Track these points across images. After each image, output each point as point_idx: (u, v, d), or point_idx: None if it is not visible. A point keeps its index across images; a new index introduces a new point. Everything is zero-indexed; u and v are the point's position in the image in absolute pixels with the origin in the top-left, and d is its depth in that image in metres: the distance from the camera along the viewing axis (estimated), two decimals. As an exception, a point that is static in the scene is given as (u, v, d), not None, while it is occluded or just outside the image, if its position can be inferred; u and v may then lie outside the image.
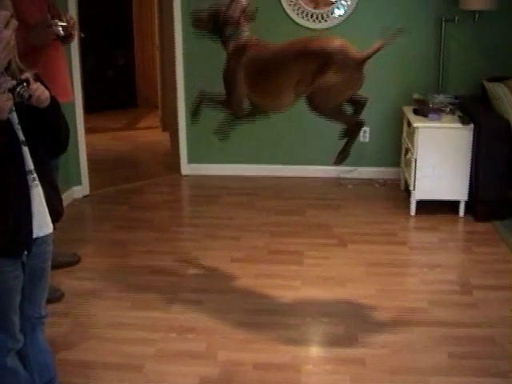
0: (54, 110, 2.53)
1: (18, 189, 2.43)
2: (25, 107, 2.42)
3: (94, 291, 4.31)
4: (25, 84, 2.36)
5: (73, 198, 6.03)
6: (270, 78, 4.05)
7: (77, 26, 3.99)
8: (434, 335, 3.71)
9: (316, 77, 3.85)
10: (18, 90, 2.34)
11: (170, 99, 7.31)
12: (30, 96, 2.37)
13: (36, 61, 3.66)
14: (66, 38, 4.00)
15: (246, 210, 5.70)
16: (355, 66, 3.93)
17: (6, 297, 2.51)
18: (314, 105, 4.02)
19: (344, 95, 4.04)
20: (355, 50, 3.93)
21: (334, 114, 4.12)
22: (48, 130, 2.56)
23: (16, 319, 2.59)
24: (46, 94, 2.45)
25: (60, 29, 3.79)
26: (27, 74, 2.41)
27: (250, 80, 4.13)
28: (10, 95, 2.32)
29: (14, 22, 2.09)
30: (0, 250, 2.40)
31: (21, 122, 2.46)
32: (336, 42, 3.91)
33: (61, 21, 3.82)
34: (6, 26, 2.04)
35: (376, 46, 3.98)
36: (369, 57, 3.97)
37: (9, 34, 2.03)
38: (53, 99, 2.49)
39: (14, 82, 2.34)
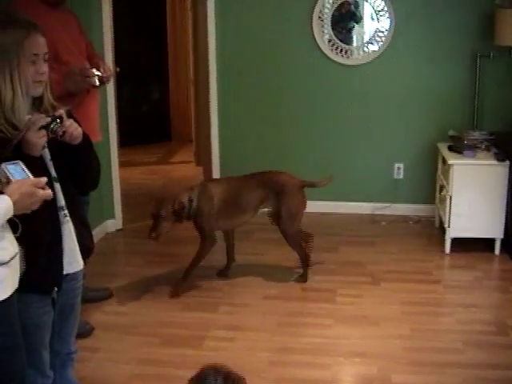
0: (86, 146, 2.55)
1: (49, 225, 2.44)
2: (57, 143, 2.43)
3: (125, 326, 4.30)
4: (58, 121, 2.38)
5: (106, 231, 6.04)
6: (235, 205, 4.86)
7: (113, 75, 4.05)
8: (469, 377, 3.64)
9: (274, 202, 4.88)
10: (52, 126, 2.36)
11: (203, 134, 7.34)
12: (64, 132, 2.39)
13: (68, 104, 3.70)
14: (99, 87, 4.06)
15: (278, 247, 5.64)
16: (299, 189, 4.96)
17: (36, 333, 2.50)
18: (282, 231, 4.92)
19: (300, 215, 4.96)
20: (296, 179, 5.00)
21: (297, 239, 4.98)
22: (79, 166, 2.57)
23: (46, 355, 2.58)
24: (79, 130, 2.47)
25: (96, 79, 3.84)
26: (61, 111, 2.43)
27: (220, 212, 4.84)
28: (44, 132, 2.33)
29: (50, 193, 2.21)
30: (30, 286, 2.40)
31: (53, 159, 2.47)
32: (282, 175, 5.02)
33: (98, 70, 3.87)
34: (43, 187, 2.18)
35: (321, 182, 5.18)
36: (305, 185, 5.03)
37: (39, 197, 2.16)
38: (85, 136, 2.51)
39: (49, 119, 2.36)
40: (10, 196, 2.02)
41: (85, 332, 4.10)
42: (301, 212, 4.98)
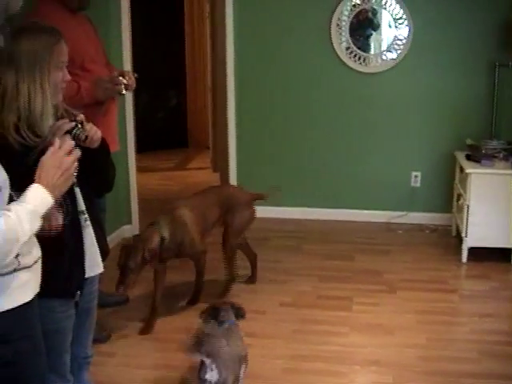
0: (103, 149, 2.57)
1: (71, 229, 2.45)
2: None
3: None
4: (79, 126, 2.40)
5: (123, 236, 6.06)
6: (203, 224, 4.64)
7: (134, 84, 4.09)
8: (485, 387, 3.62)
9: (226, 217, 4.78)
10: (75, 131, 2.38)
11: (220, 140, 7.36)
12: (86, 137, 2.41)
13: (95, 114, 3.74)
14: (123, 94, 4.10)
15: (295, 254, 5.67)
16: (250, 203, 4.95)
17: (59, 337, 2.52)
18: (224, 240, 4.85)
19: (247, 229, 4.97)
20: (247, 193, 5.03)
21: (234, 252, 4.92)
22: (96, 169, 2.58)
23: (68, 359, 2.60)
24: (99, 134, 2.49)
25: (123, 87, 3.88)
26: (81, 116, 2.45)
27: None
28: (69, 137, 2.35)
29: (77, 152, 2.12)
30: (55, 291, 2.42)
31: None
32: (234, 190, 5.24)
33: (124, 78, 3.91)
34: (69, 153, 2.08)
35: (267, 194, 5.16)
36: (255, 198, 5.02)
37: (69, 162, 2.07)
38: (102, 139, 2.53)
39: (73, 124, 2.38)
40: (37, 181, 1.98)
41: (102, 338, 4.12)
42: (249, 225, 4.97)
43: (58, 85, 2.42)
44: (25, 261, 1.99)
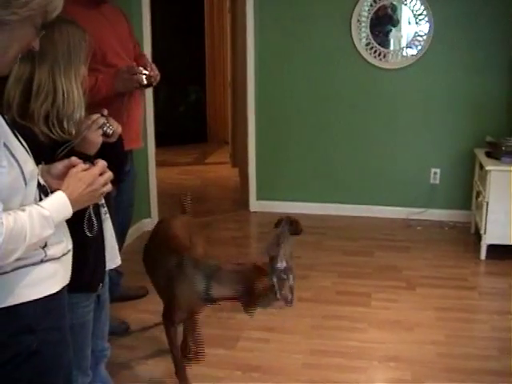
0: (120, 143, 2.58)
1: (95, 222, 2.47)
2: None
3: (161, 325, 4.32)
4: (106, 120, 2.43)
5: (142, 230, 6.09)
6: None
7: (158, 75, 4.09)
8: (505, 385, 3.62)
9: None
10: (106, 128, 2.41)
11: (240, 135, 7.38)
12: (113, 132, 2.43)
13: (119, 106, 3.75)
14: (146, 86, 4.09)
15: (314, 249, 5.68)
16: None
17: (81, 332, 2.53)
18: None
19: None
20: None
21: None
22: (112, 161, 2.60)
23: (89, 354, 2.62)
24: (120, 128, 2.50)
25: (144, 77, 3.88)
26: (105, 111, 2.46)
27: None
28: (101, 131, 2.38)
29: (110, 174, 2.12)
30: (81, 286, 2.43)
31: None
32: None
33: (145, 69, 3.91)
34: (101, 174, 2.09)
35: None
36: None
37: (101, 182, 2.07)
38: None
39: (104, 119, 2.40)
40: (64, 190, 1.98)
41: (121, 331, 4.16)
42: None
43: (84, 78, 2.45)
44: (52, 252, 2.00)
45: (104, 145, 2.44)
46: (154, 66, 4.00)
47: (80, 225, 2.30)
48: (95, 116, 2.39)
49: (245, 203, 6.83)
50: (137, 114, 4.19)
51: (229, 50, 8.86)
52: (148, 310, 4.55)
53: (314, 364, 3.84)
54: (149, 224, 6.19)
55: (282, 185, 6.54)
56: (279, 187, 6.54)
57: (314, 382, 3.65)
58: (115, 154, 2.57)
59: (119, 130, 2.50)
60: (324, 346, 4.06)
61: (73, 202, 1.98)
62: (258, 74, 6.52)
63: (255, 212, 6.75)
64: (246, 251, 5.87)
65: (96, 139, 2.37)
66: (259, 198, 6.77)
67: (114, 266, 2.68)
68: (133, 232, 5.61)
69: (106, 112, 2.45)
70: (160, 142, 7.43)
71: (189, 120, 10.19)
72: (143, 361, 3.89)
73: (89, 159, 2.27)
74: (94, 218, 2.33)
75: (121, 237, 3.97)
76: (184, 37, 9.80)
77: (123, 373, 3.68)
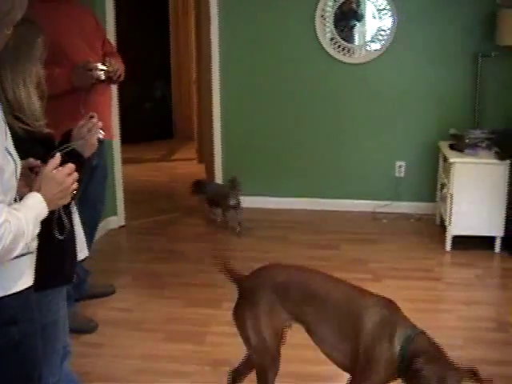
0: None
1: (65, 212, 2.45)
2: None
3: (129, 322, 4.34)
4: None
5: (108, 228, 6.07)
6: None
7: (122, 70, 4.08)
8: (470, 373, 3.66)
9: None
10: (99, 133, 2.47)
11: (206, 131, 7.38)
12: (102, 137, 2.50)
13: (77, 100, 3.75)
14: (110, 81, 4.08)
15: (282, 244, 5.70)
16: None
17: (56, 329, 2.52)
18: None
19: None
20: None
21: None
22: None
23: (60, 354, 2.59)
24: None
25: (101, 73, 3.87)
26: (95, 114, 2.50)
27: None
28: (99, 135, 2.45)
29: (77, 174, 2.15)
30: (63, 279, 2.45)
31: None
32: None
33: (103, 64, 3.90)
34: (69, 175, 2.10)
35: None
36: None
37: (70, 182, 2.10)
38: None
39: (101, 124, 2.48)
40: (38, 191, 2.01)
41: (89, 329, 4.15)
42: None
43: (41, 78, 2.44)
44: (33, 246, 2.04)
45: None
46: (113, 62, 3.99)
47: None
48: (95, 120, 2.43)
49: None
50: (103, 107, 4.17)
51: (194, 46, 8.86)
52: (116, 308, 4.55)
53: (282, 357, 3.84)
54: (115, 222, 6.17)
55: (249, 180, 6.54)
56: (246, 182, 6.54)
57: (283, 375, 3.65)
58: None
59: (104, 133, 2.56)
60: (292, 338, 4.06)
61: (47, 202, 2.01)
62: (222, 70, 6.51)
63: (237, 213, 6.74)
64: (214, 246, 5.87)
65: (95, 142, 2.47)
66: (226, 193, 6.76)
67: (83, 257, 2.69)
68: (99, 230, 5.55)
69: (95, 115, 2.48)
70: (126, 138, 7.41)
71: (155, 116, 10.15)
72: (111, 358, 3.88)
73: (82, 163, 2.30)
74: (65, 219, 2.32)
75: (89, 233, 3.95)
76: (149, 33, 9.74)
77: (90, 371, 3.67)
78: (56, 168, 2.06)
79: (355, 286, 2.98)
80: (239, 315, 2.97)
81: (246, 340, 3.01)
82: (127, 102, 8.32)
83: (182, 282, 4.94)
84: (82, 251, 2.67)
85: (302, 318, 2.89)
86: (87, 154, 2.45)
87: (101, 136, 2.50)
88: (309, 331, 2.97)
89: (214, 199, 6.23)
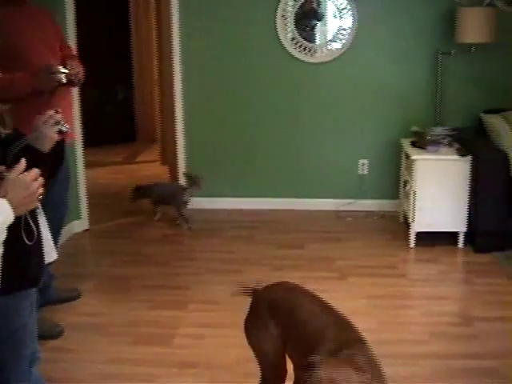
0: (63, 143, 2.57)
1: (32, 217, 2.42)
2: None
3: (95, 326, 4.31)
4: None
5: (72, 232, 6.02)
6: None
7: (82, 73, 4.07)
8: (437, 368, 3.71)
9: None
10: (60, 126, 2.39)
11: (168, 133, 7.36)
12: (67, 131, 2.42)
13: (40, 104, 3.72)
14: (71, 84, 4.06)
15: (247, 244, 5.71)
16: None
17: (24, 334, 2.49)
18: None
19: None
20: None
21: None
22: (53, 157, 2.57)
23: (28, 359, 2.56)
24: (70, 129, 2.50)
25: (62, 76, 3.85)
26: (59, 109, 2.45)
27: None
28: (58, 128, 2.37)
29: (42, 180, 2.13)
30: (29, 282, 2.42)
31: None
32: None
33: (64, 67, 3.89)
34: (35, 179, 2.09)
35: None
36: None
37: (36, 186, 2.08)
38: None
39: (60, 117, 2.38)
40: (3, 197, 2.00)
41: (55, 334, 4.12)
42: None
43: None
44: None
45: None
46: (74, 65, 3.98)
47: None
48: (51, 112, 2.37)
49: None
50: (65, 109, 4.15)
51: (155, 48, 8.82)
52: (82, 313, 4.52)
53: (249, 358, 3.81)
54: (79, 226, 6.13)
55: (213, 181, 6.54)
56: (210, 184, 6.53)
57: (250, 375, 3.66)
58: (57, 152, 2.55)
59: (70, 130, 2.51)
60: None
61: (14, 207, 1.99)
62: (184, 72, 6.50)
63: (186, 209, 6.72)
64: (179, 248, 5.86)
65: (52, 135, 2.36)
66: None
67: (51, 260, 2.65)
68: (63, 234, 5.53)
69: (60, 110, 2.43)
70: (88, 142, 7.37)
71: (117, 119, 10.09)
72: (78, 363, 3.86)
73: (42, 158, 2.26)
74: (32, 224, 2.30)
75: (53, 236, 3.92)
76: (110, 36, 9.69)
77: (57, 376, 3.64)
78: (22, 173, 2.04)
79: (339, 320, 2.88)
80: (244, 327, 3.06)
81: (252, 351, 3.09)
82: (89, 105, 8.27)
83: (147, 285, 4.92)
84: (50, 254, 2.63)
85: (284, 339, 2.89)
86: (45, 147, 2.36)
87: (64, 129, 2.43)
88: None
89: (163, 198, 6.41)
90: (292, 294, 3.02)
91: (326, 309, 2.91)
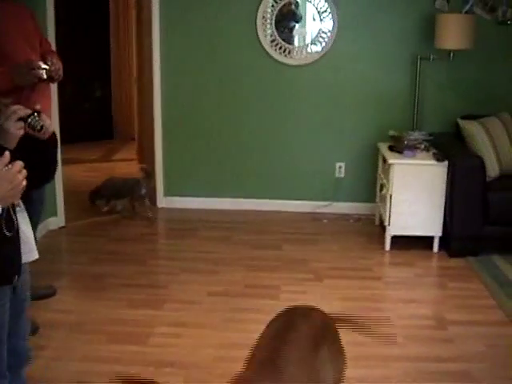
0: (54, 142, 2.54)
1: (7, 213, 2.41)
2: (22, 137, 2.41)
3: (71, 324, 4.29)
4: (36, 114, 2.37)
5: (48, 229, 5.99)
6: None
7: (61, 69, 4.05)
8: (410, 370, 3.74)
9: None
10: (30, 120, 2.35)
11: (146, 132, 7.34)
12: (42, 127, 2.38)
13: (20, 100, 3.70)
14: (51, 80, 4.05)
15: (223, 244, 5.72)
16: None
17: (2, 331, 2.48)
18: None
19: None
20: None
21: None
22: (43, 161, 2.55)
23: (5, 355, 2.55)
24: (53, 126, 2.46)
25: (43, 72, 3.84)
26: (38, 106, 2.41)
27: None
28: (23, 124, 2.33)
29: (25, 172, 2.13)
30: (5, 278, 2.40)
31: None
32: None
33: (45, 63, 3.87)
34: (19, 172, 2.10)
35: None
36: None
37: (20, 179, 2.09)
38: (53, 132, 2.51)
39: (28, 111, 2.35)
40: None
41: (30, 330, 4.08)
42: None
43: None
44: None
45: (37, 142, 2.41)
46: (55, 61, 3.97)
47: None
48: (17, 106, 2.34)
49: (152, 200, 6.78)
50: (44, 106, 4.13)
51: (134, 46, 8.79)
52: (57, 310, 4.50)
53: (225, 357, 3.87)
54: (55, 223, 6.10)
55: (190, 181, 6.56)
56: (187, 183, 6.54)
57: (226, 375, 3.66)
58: (48, 153, 2.53)
59: (51, 128, 2.46)
60: (235, 338, 4.10)
61: None
62: (163, 70, 6.49)
63: (162, 208, 6.73)
64: (156, 247, 5.86)
65: (14, 131, 2.31)
66: (167, 194, 6.75)
67: (31, 259, 2.62)
68: (39, 231, 5.49)
69: (38, 107, 2.40)
70: (65, 139, 7.33)
71: (94, 116, 10.06)
72: (53, 361, 3.84)
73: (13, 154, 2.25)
74: (13, 216, 2.29)
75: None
76: (89, 33, 9.65)
77: (31, 374, 3.61)
78: (6, 166, 2.04)
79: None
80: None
81: None
82: (66, 102, 8.23)
83: (123, 283, 4.91)
84: (32, 252, 2.61)
85: None
86: (9, 143, 2.31)
87: (37, 124, 2.37)
88: None
89: (119, 192, 6.60)
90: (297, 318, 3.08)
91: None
